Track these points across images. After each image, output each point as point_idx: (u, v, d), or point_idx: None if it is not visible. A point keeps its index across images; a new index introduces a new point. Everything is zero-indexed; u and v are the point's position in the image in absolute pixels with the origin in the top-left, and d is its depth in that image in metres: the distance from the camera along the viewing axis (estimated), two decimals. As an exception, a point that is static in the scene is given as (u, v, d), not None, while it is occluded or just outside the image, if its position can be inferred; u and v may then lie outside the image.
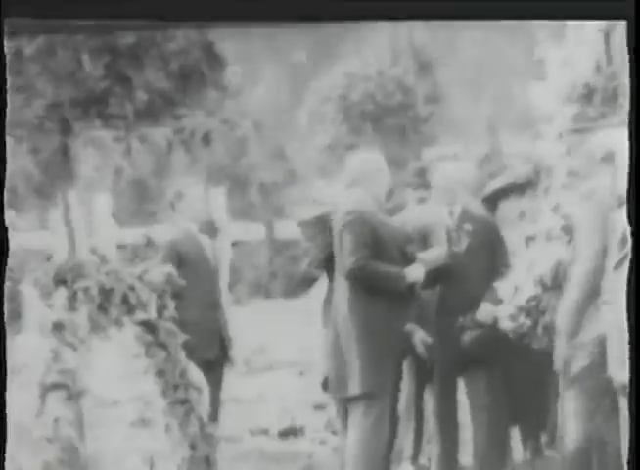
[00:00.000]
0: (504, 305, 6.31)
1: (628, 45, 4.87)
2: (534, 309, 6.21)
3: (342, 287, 6.23)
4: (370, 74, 11.38)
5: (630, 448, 4.61)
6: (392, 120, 11.37)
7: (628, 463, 4.71)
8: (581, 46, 13.64)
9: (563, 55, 14.18)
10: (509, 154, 7.68)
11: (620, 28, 5.56)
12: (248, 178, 11.00)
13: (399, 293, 6.18)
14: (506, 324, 6.27)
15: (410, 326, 6.33)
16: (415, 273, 6.22)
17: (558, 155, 6.96)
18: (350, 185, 6.31)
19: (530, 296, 6.20)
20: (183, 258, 6.52)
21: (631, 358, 4.76)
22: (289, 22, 5.30)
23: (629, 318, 4.78)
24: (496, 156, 8.15)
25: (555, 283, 6.13)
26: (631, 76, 4.92)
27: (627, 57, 4.90)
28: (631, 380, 4.81)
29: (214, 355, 6.63)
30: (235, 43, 6.74)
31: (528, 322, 6.20)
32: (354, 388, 6.12)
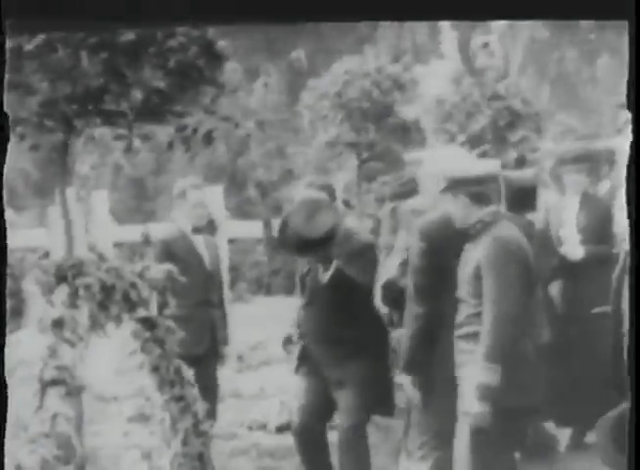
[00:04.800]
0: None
1: (629, 45, 4.90)
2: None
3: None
4: (369, 71, 11.38)
5: (630, 449, 4.65)
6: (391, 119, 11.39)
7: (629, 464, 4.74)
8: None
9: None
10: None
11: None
12: (246, 176, 10.99)
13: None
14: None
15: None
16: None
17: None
18: None
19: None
20: (173, 257, 6.53)
21: (630, 359, 4.79)
22: (288, 20, 5.32)
23: (631, 321, 4.81)
24: None
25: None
26: (630, 75, 4.94)
27: (627, 56, 4.93)
28: (631, 380, 4.83)
29: (203, 352, 6.66)
30: (234, 41, 6.75)
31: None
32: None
